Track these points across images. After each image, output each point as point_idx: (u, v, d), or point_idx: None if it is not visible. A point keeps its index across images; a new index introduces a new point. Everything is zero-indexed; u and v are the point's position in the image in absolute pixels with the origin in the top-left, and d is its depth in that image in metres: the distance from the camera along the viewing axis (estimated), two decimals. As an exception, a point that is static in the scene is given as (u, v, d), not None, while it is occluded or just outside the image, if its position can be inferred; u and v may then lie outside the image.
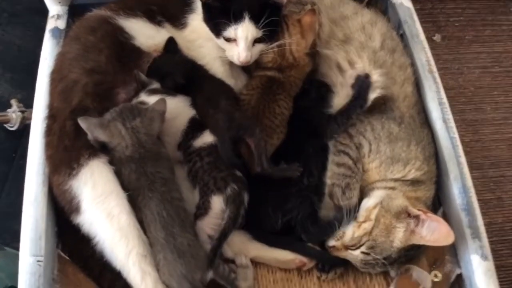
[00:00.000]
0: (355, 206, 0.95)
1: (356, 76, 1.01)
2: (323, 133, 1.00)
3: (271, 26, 0.99)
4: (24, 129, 1.57)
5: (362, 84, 0.99)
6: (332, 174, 0.97)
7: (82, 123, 0.86)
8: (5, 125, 1.53)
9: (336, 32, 1.08)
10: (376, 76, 1.00)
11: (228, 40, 1.00)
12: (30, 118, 1.52)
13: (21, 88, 1.67)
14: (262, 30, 0.98)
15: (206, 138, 0.95)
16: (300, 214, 0.92)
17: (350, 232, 0.91)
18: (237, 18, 0.96)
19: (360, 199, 0.97)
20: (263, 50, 1.03)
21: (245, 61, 1.00)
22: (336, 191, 0.96)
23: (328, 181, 0.97)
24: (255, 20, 0.97)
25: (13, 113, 1.51)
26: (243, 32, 0.97)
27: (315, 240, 0.94)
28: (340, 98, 1.03)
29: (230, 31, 0.98)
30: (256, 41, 1.00)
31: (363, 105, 0.99)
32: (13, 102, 1.52)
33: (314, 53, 1.08)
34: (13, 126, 1.52)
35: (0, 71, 1.67)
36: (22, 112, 1.52)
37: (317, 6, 1.08)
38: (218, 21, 0.98)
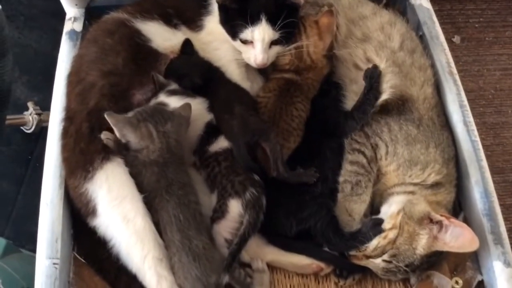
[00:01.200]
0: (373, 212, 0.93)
1: (366, 70, 0.99)
2: (340, 131, 0.98)
3: (288, 28, 0.98)
4: (41, 132, 1.58)
5: (372, 74, 0.97)
6: (345, 171, 0.96)
7: (110, 118, 0.85)
8: (21, 127, 1.55)
9: (354, 31, 1.07)
10: (389, 75, 0.98)
11: (244, 42, 0.99)
12: (46, 121, 1.54)
13: (38, 90, 1.68)
14: (279, 32, 0.97)
15: (222, 143, 0.95)
16: (319, 223, 0.90)
17: (374, 242, 0.88)
18: (254, 20, 0.95)
19: (379, 204, 0.95)
20: (280, 52, 1.02)
21: (262, 63, 0.99)
22: (346, 187, 0.94)
23: (341, 178, 0.96)
24: (272, 22, 0.96)
25: (30, 116, 1.52)
26: (260, 34, 0.96)
27: (338, 250, 0.93)
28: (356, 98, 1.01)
29: (246, 33, 0.97)
30: (273, 43, 0.99)
31: (377, 97, 0.97)
32: (30, 104, 1.53)
33: (331, 55, 1.07)
34: (30, 128, 1.54)
35: (17, 74, 1.69)
36: (39, 114, 1.53)
37: (334, 7, 1.07)
38: (234, 23, 0.98)
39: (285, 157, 0.94)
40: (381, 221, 0.89)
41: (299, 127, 1.00)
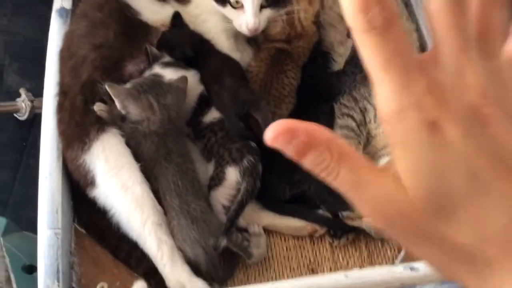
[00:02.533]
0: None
1: None
2: (334, 91, 1.00)
3: None
4: (34, 118, 1.59)
5: None
6: None
7: (112, 90, 0.87)
8: (15, 114, 1.55)
9: None
10: None
11: (235, 7, 0.99)
12: (39, 107, 1.55)
13: (29, 77, 1.68)
14: None
15: (215, 113, 0.96)
16: (313, 186, 0.92)
17: None
18: None
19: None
20: (271, 17, 1.01)
21: (254, 27, 0.98)
22: None
23: None
24: None
25: (22, 103, 1.52)
26: None
27: (336, 209, 0.94)
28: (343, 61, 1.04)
29: None
30: (264, 6, 0.98)
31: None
32: (22, 91, 1.53)
33: (318, 23, 1.08)
34: (23, 115, 1.54)
35: (7, 62, 1.68)
36: (31, 101, 1.53)
37: None
38: None
39: None
40: None
41: (290, 95, 1.02)
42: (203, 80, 1.00)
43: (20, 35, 1.76)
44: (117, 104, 0.87)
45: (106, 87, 0.86)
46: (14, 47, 1.71)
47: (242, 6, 0.98)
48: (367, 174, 0.29)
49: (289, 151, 0.30)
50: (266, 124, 0.91)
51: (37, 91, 1.62)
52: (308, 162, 0.31)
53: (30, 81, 1.67)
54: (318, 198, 0.93)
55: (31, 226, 1.42)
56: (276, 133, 0.30)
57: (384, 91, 0.27)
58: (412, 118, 0.27)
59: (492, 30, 0.27)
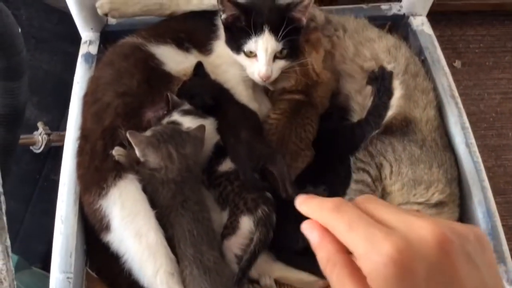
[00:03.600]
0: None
1: (371, 72, 1.02)
2: (356, 141, 1.00)
3: (291, 42, 1.01)
4: (49, 152, 1.61)
5: (382, 75, 1.00)
6: (350, 190, 0.98)
7: (132, 138, 0.88)
8: (31, 147, 1.57)
9: (362, 51, 1.11)
10: (399, 90, 1.01)
11: (248, 55, 1.02)
12: (55, 141, 1.57)
13: (47, 111, 1.71)
14: (282, 42, 0.99)
15: (231, 163, 0.97)
16: None
17: None
18: (257, 31, 0.99)
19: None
20: (284, 68, 1.04)
21: (266, 75, 1.01)
22: None
23: (346, 197, 0.97)
24: (275, 33, 0.99)
25: (39, 136, 1.54)
26: (263, 44, 0.99)
27: None
28: (360, 115, 1.05)
29: (250, 44, 1.00)
30: (277, 57, 1.02)
31: (390, 97, 1.00)
32: (40, 125, 1.56)
33: (334, 71, 1.11)
34: (39, 148, 1.56)
35: (28, 95, 1.72)
36: (48, 134, 1.56)
37: (315, 23, 1.13)
38: (238, 37, 1.01)
39: (293, 177, 0.95)
40: None
41: (307, 148, 1.03)
42: (219, 131, 1.01)
43: (42, 69, 1.81)
44: (137, 153, 0.88)
45: (127, 135, 0.88)
46: (34, 81, 1.75)
47: (255, 56, 1.02)
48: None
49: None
50: (282, 179, 0.92)
51: (54, 124, 1.65)
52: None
53: (48, 115, 1.70)
54: None
55: (40, 258, 1.43)
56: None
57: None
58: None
59: None
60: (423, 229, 0.36)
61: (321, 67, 1.09)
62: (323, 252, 0.41)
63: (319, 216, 0.42)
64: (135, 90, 0.98)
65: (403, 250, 0.35)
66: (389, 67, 1.04)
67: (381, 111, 1.00)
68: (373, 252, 0.35)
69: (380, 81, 1.01)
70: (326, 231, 0.41)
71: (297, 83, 1.09)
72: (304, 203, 0.46)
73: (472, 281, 0.34)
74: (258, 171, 0.95)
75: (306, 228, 0.43)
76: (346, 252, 0.39)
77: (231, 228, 0.91)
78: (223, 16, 1.02)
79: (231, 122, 1.01)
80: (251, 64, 1.03)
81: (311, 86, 1.09)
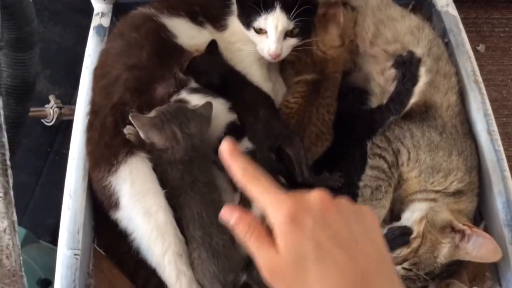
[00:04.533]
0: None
1: (398, 56, 0.99)
2: (378, 126, 0.97)
3: (304, 21, 0.97)
4: (60, 125, 1.60)
5: (410, 60, 0.97)
6: (365, 176, 0.95)
7: (135, 120, 0.86)
8: (42, 120, 1.57)
9: (384, 32, 1.06)
10: (423, 76, 0.98)
11: (259, 32, 0.99)
12: (66, 114, 1.56)
13: (59, 85, 1.70)
14: (294, 22, 0.96)
15: (247, 143, 0.95)
16: None
17: (397, 251, 0.87)
18: (268, 7, 0.95)
19: (399, 211, 0.94)
20: (294, 45, 1.01)
21: (275, 53, 0.98)
22: (366, 191, 0.93)
23: (361, 183, 0.95)
24: (287, 11, 0.95)
25: (51, 109, 1.54)
26: (274, 21, 0.96)
27: None
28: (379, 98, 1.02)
29: (260, 21, 0.97)
30: (288, 34, 0.98)
31: (415, 84, 0.96)
32: (51, 98, 1.55)
33: (350, 48, 1.07)
34: (50, 121, 1.56)
35: (40, 68, 1.71)
36: (60, 108, 1.55)
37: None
38: (249, 11, 0.98)
39: (310, 162, 0.93)
40: (410, 231, 0.88)
41: (327, 131, 1.00)
42: (237, 111, 0.98)
43: (55, 42, 1.79)
44: (141, 135, 0.86)
45: (130, 117, 0.86)
46: (47, 54, 1.74)
47: (266, 32, 0.98)
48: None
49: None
50: (298, 161, 0.90)
51: (66, 98, 1.64)
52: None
53: (60, 88, 1.70)
54: None
55: (49, 232, 1.43)
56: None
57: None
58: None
59: None
60: (310, 193, 0.48)
61: (330, 45, 1.06)
62: (241, 225, 0.49)
63: (239, 172, 0.52)
64: (145, 62, 0.95)
65: (297, 209, 0.47)
66: (418, 52, 0.99)
67: (404, 98, 0.96)
68: (278, 213, 0.47)
69: (408, 66, 0.97)
70: (244, 211, 0.50)
71: (296, 61, 1.06)
72: (231, 160, 0.53)
73: (345, 232, 0.46)
74: (274, 151, 0.93)
75: (226, 211, 0.50)
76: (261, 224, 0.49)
77: None
78: None
79: (249, 102, 0.98)
80: (261, 41, 1.00)
81: (321, 63, 1.06)
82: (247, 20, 1.00)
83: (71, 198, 0.89)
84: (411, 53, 0.98)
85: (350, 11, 1.09)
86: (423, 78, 0.97)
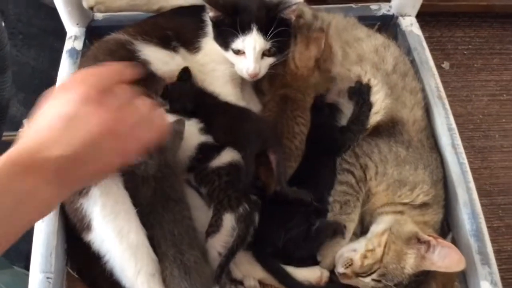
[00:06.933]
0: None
1: (350, 87, 1.03)
2: (338, 146, 1.00)
3: (281, 41, 1.00)
4: (35, 149, 1.59)
5: (361, 90, 1.01)
6: (335, 191, 0.97)
7: None
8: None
9: (349, 53, 1.10)
10: (382, 95, 1.02)
11: (237, 53, 1.01)
12: (41, 138, 1.55)
13: (33, 108, 1.69)
14: (271, 42, 0.98)
15: (224, 158, 0.96)
16: (295, 232, 0.92)
17: (359, 259, 0.89)
18: (245, 30, 0.97)
19: (369, 224, 0.97)
20: (273, 64, 1.03)
21: (254, 73, 1.00)
22: (335, 206, 0.95)
23: (330, 198, 0.97)
24: (263, 32, 0.98)
25: (25, 133, 1.52)
26: (251, 42, 0.98)
27: (304, 254, 0.94)
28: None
29: (238, 43, 0.99)
30: (266, 54, 1.01)
31: (370, 108, 1.01)
32: (25, 122, 1.54)
33: (322, 69, 1.10)
34: (25, 145, 1.54)
35: (13, 91, 1.70)
36: (34, 131, 1.53)
37: (326, 28, 1.11)
38: (226, 34, 1.00)
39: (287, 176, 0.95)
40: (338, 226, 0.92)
41: (300, 147, 1.01)
42: (219, 128, 1.00)
43: (29, 65, 1.79)
44: None
45: None
46: (21, 78, 1.73)
47: (244, 53, 1.00)
48: None
49: None
50: (279, 170, 0.93)
51: (40, 122, 1.63)
52: None
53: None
54: (293, 244, 0.91)
55: (22, 257, 1.41)
56: None
57: None
58: None
59: None
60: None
61: (305, 62, 1.07)
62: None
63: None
64: None
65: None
66: (365, 78, 1.04)
67: (363, 121, 1.00)
68: None
69: (359, 94, 1.01)
70: None
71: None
72: None
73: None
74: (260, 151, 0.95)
75: None
76: None
77: (215, 226, 0.90)
78: (210, 14, 1.01)
79: (238, 111, 1.01)
80: (239, 62, 1.02)
81: (291, 76, 1.08)
82: (225, 42, 1.01)
83: (43, 221, 0.89)
84: (359, 83, 1.03)
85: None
86: (380, 94, 1.00)
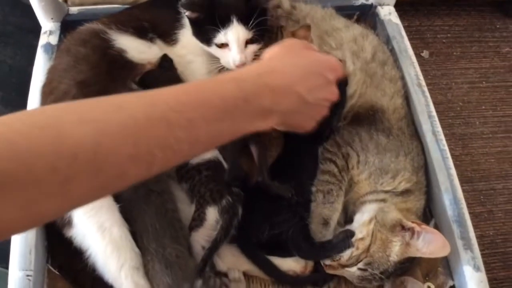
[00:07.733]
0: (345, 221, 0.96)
1: None
2: (320, 135, 1.00)
3: (262, 26, 0.99)
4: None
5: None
6: (317, 181, 0.97)
7: None
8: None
9: (328, 41, 1.10)
10: (358, 80, 1.03)
11: (220, 46, 1.00)
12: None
13: (12, 106, 1.66)
14: (253, 30, 0.98)
15: (204, 154, 0.95)
16: (292, 230, 0.91)
17: (348, 252, 0.89)
18: (224, 23, 0.96)
19: (353, 213, 0.97)
20: (256, 50, 1.02)
21: (241, 63, 0.99)
22: (318, 196, 0.95)
23: (313, 188, 0.97)
24: (244, 21, 0.97)
25: (3, 132, 1.50)
26: (234, 34, 0.97)
27: (308, 258, 0.94)
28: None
29: (220, 37, 0.98)
30: (249, 42, 1.00)
31: (346, 84, 1.02)
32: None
33: None
34: (3, 144, 1.52)
35: (-9, 90, 1.67)
36: (12, 130, 1.51)
37: (309, 23, 1.10)
38: (207, 30, 0.99)
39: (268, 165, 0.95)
40: (352, 233, 0.90)
41: (278, 136, 1.01)
42: None
43: (6, 64, 1.75)
44: None
45: None
46: (-2, 76, 1.70)
47: (227, 45, 0.99)
48: None
49: None
50: (261, 161, 0.93)
51: (19, 120, 1.60)
52: None
53: (13, 110, 1.63)
54: (292, 244, 0.91)
55: (3, 258, 1.39)
56: None
57: None
58: None
59: None
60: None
61: None
62: None
63: None
64: (95, 77, 0.94)
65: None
66: (350, 65, 1.04)
67: (340, 115, 1.01)
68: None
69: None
70: None
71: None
72: None
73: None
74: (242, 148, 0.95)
75: None
76: None
77: (198, 220, 0.90)
78: (187, 14, 1.00)
79: None
80: (224, 55, 1.01)
81: None
82: (206, 39, 1.00)
83: (21, 218, 0.87)
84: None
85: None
86: (357, 75, 1.01)
